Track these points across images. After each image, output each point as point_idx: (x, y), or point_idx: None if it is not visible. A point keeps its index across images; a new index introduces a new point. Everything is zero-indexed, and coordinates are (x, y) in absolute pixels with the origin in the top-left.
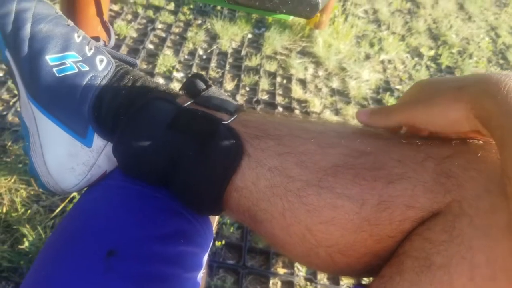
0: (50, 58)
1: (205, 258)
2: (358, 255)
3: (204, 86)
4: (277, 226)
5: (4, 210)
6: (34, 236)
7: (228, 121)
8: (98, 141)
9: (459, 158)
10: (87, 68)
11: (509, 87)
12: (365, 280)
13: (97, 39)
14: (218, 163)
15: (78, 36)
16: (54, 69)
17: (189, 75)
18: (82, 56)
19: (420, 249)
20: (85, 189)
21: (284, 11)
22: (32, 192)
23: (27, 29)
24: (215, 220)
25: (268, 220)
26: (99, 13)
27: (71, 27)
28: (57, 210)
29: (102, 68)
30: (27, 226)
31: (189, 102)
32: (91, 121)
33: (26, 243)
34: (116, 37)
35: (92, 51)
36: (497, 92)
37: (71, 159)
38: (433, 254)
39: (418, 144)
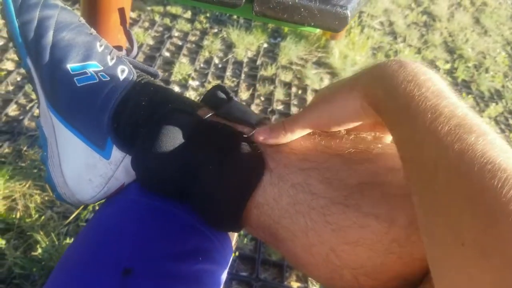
0: (71, 67)
1: (224, 276)
2: (385, 279)
3: (225, 98)
4: (299, 245)
5: (18, 216)
6: (47, 242)
7: (250, 134)
8: (116, 153)
9: None
10: (108, 79)
11: (393, 71)
12: None
13: (119, 48)
14: (239, 178)
15: (101, 45)
16: (75, 78)
17: (204, 83)
18: (104, 65)
19: None
20: (102, 201)
21: (313, 24)
22: (46, 198)
23: (49, 37)
24: (234, 236)
25: (290, 238)
26: (122, 21)
27: (93, 35)
28: (71, 217)
29: (123, 79)
30: (41, 232)
31: (210, 115)
32: (110, 132)
33: (39, 250)
34: None
35: (113, 60)
36: (383, 77)
37: (89, 170)
38: None
39: None
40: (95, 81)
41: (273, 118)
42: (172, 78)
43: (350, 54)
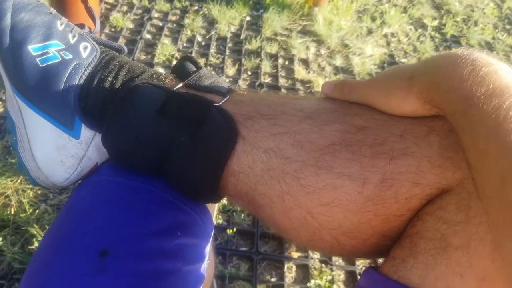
0: (32, 48)
1: (208, 249)
2: (364, 237)
3: (194, 68)
4: (277, 210)
5: (13, 212)
6: (43, 235)
7: (220, 103)
8: (86, 132)
9: None
10: (70, 56)
11: (447, 72)
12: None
13: (81, 26)
14: (212, 148)
15: (61, 24)
16: (37, 59)
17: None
18: (66, 44)
19: (434, 230)
20: (78, 182)
21: None
22: (39, 192)
23: (8, 20)
24: (214, 209)
25: (268, 205)
26: None
27: (53, 15)
28: None
29: (87, 55)
30: (36, 226)
31: (179, 86)
32: (78, 111)
33: (36, 243)
34: (113, 29)
35: (75, 38)
36: (439, 79)
37: (59, 152)
38: (449, 235)
39: (419, 118)
40: (58, 60)
41: (261, 92)
42: (156, 60)
43: (335, 19)
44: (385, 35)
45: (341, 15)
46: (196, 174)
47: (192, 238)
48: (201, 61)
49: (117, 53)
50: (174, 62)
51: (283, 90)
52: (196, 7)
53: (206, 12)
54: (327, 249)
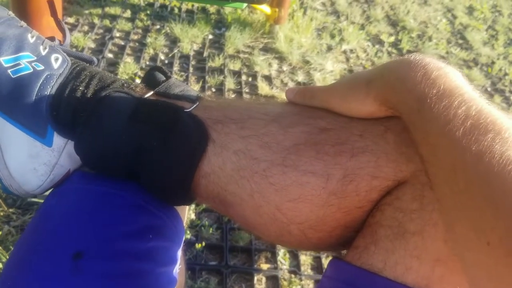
0: (4, 60)
1: (179, 253)
2: (329, 229)
3: (163, 78)
4: (247, 208)
5: None
6: (7, 257)
7: (190, 109)
8: (58, 140)
9: None
10: (42, 67)
11: (403, 75)
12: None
13: (52, 39)
14: (183, 151)
15: (32, 37)
16: (9, 71)
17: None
18: (37, 55)
19: (392, 218)
20: (50, 191)
21: None
22: (1, 214)
23: None
24: (185, 214)
25: (238, 203)
26: (53, 12)
27: (24, 28)
28: None
29: (58, 66)
30: (0, 248)
31: (149, 94)
32: (50, 120)
33: (0, 265)
34: (74, 49)
35: (46, 50)
36: (395, 82)
37: (32, 160)
38: (406, 222)
39: (377, 118)
40: (30, 71)
41: (228, 98)
42: None
43: (296, 37)
44: (344, 52)
45: (301, 32)
46: (168, 177)
47: (164, 241)
48: None
49: (88, 64)
50: (138, 80)
51: None
52: (158, 26)
53: (168, 31)
54: (296, 243)
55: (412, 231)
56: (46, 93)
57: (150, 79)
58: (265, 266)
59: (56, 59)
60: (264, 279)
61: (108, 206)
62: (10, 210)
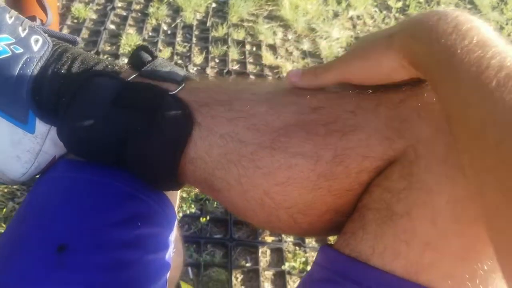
0: None
1: (172, 237)
2: (319, 213)
3: (150, 58)
4: (235, 193)
5: None
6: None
7: (175, 91)
8: (40, 126)
9: (412, 101)
10: (21, 50)
11: (431, 25)
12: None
13: (32, 18)
14: (168, 136)
15: (10, 17)
16: None
17: (155, 52)
18: (16, 37)
19: (380, 200)
20: (37, 177)
21: None
22: (6, 190)
23: None
24: (176, 198)
25: (226, 188)
26: None
27: (1, 7)
28: None
29: (38, 49)
30: (4, 225)
31: (133, 76)
32: (31, 105)
33: None
34: (75, 20)
35: (26, 31)
36: (421, 32)
37: (15, 147)
38: (394, 204)
39: (370, 93)
40: (8, 55)
41: (217, 79)
42: (121, 50)
43: (301, 3)
44: (351, 18)
45: None
46: (154, 163)
47: (153, 227)
48: (168, 50)
49: (70, 45)
50: None
51: (251, 77)
52: None
53: (171, 0)
54: (285, 229)
55: (400, 213)
56: (26, 77)
57: (136, 59)
58: (269, 239)
59: (36, 41)
60: (268, 252)
61: (94, 195)
62: (14, 186)
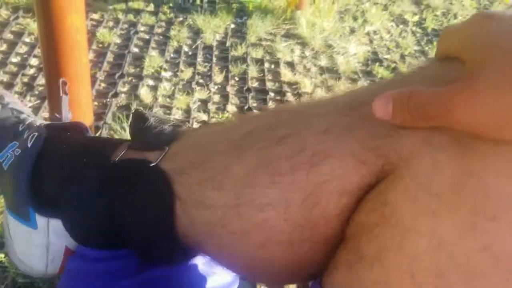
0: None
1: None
2: (314, 265)
3: (143, 123)
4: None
5: None
6: None
7: (156, 162)
8: (40, 220)
9: None
10: (19, 151)
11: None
12: None
13: (54, 118)
14: (150, 216)
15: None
16: (3, 164)
17: (177, 73)
18: (19, 140)
19: (352, 237)
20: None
21: None
22: None
23: None
24: None
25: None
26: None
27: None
28: None
29: (31, 145)
30: None
31: (122, 153)
32: (30, 202)
33: None
34: (101, 45)
35: (27, 131)
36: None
37: (28, 245)
38: (364, 244)
39: (343, 107)
40: (13, 159)
41: (249, 97)
42: (144, 72)
43: (317, 21)
44: (368, 33)
45: (323, 16)
46: (149, 243)
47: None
48: (189, 70)
49: (68, 133)
50: (163, 73)
51: (270, 93)
52: (181, 18)
53: (191, 22)
54: (288, 282)
55: (371, 257)
56: (23, 177)
57: (133, 125)
58: None
59: (32, 137)
60: None
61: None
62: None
